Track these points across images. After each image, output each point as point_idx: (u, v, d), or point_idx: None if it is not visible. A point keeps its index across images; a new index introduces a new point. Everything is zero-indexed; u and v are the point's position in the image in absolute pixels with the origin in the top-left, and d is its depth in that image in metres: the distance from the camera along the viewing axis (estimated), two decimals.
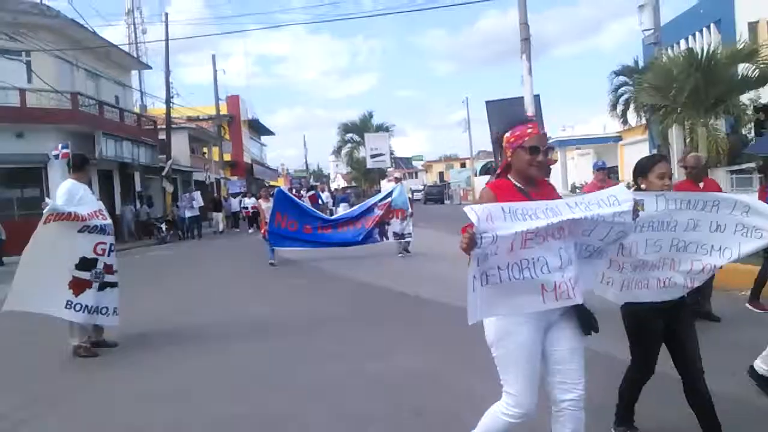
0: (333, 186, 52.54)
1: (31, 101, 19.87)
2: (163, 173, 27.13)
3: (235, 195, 32.98)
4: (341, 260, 11.98)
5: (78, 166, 6.03)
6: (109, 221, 5.81)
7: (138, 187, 26.64)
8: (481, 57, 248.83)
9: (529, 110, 11.84)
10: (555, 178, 40.87)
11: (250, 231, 23.78)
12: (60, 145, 16.17)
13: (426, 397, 4.08)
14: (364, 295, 8.47)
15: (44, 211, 5.39)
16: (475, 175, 56.57)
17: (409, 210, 12.41)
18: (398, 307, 7.44)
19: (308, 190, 25.33)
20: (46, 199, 5.54)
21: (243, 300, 8.76)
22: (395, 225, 12.23)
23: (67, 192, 5.61)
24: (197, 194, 25.56)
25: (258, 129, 57.12)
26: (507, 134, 2.71)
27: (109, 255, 5.65)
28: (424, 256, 12.10)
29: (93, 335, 5.77)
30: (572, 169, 42.60)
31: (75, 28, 21.80)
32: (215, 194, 34.24)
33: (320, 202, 22.22)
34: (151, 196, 27.01)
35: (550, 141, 13.59)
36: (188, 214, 24.46)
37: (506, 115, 12.37)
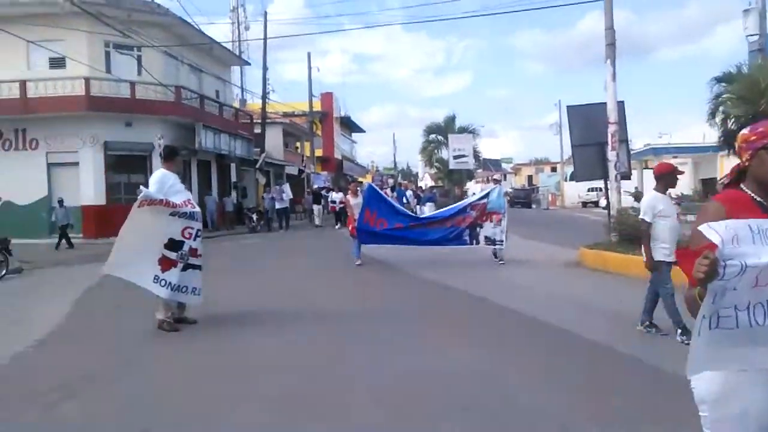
0: (420, 184, 52.75)
1: (139, 93, 21.42)
2: (257, 165, 28.42)
3: (320, 189, 32.86)
4: (426, 262, 11.44)
5: (168, 156, 6.64)
6: (197, 209, 6.40)
7: (233, 178, 28.05)
8: (577, 59, 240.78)
9: (612, 117, 11.58)
10: (649, 186, 39.31)
11: (337, 227, 23.65)
12: (158, 137, 17.74)
13: (475, 393, 4.25)
14: (440, 297, 8.49)
15: (138, 197, 6.00)
16: (565, 180, 55.16)
17: (504, 212, 11.55)
18: (472, 310, 7.50)
19: (392, 189, 25.12)
20: (141, 187, 6.15)
21: (318, 290, 9.20)
22: (487, 228, 11.43)
23: (159, 181, 6.20)
24: (287, 187, 26.56)
25: (349, 126, 58.38)
26: (744, 131, 2.07)
27: (194, 239, 6.21)
28: (515, 263, 11.25)
29: (176, 312, 6.35)
30: None
31: (182, 25, 23.25)
32: (306, 188, 35.31)
33: (404, 200, 22.25)
34: (246, 187, 28.37)
35: (645, 148, 13.30)
36: (278, 206, 25.50)
37: (588, 121, 12.16)
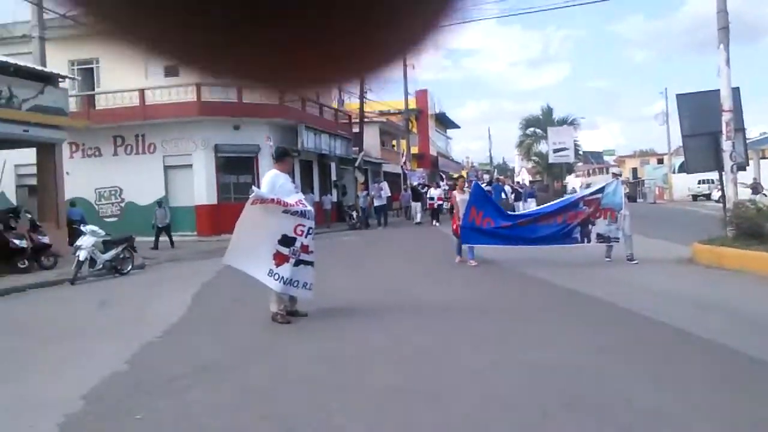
0: (517, 179, 51.84)
1: (246, 97, 22.49)
2: (356, 164, 29.05)
3: (418, 186, 32.87)
4: (528, 260, 10.98)
5: (279, 157, 7.01)
6: (310, 208, 6.73)
7: (333, 177, 28.85)
8: (683, 44, 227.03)
9: (726, 104, 10.91)
10: (767, 177, 36.48)
11: (435, 223, 23.52)
12: (267, 138, 18.64)
13: (579, 390, 4.21)
14: (544, 293, 8.34)
15: (250, 196, 6.40)
16: (673, 173, 52.27)
17: (623, 211, 10.63)
18: (578, 307, 7.35)
19: (489, 184, 24.31)
20: (253, 187, 6.54)
21: (420, 285, 9.33)
22: (601, 225, 10.67)
23: (270, 181, 6.56)
24: (385, 185, 26.98)
25: (444, 122, 58.26)
26: None
27: (306, 236, 6.52)
28: (623, 260, 10.46)
29: (288, 305, 6.69)
30: None
31: None
32: (403, 185, 35.63)
33: (502, 196, 21.86)
34: (345, 186, 29.11)
35: (761, 137, 12.43)
36: (376, 203, 25.96)
37: (700, 109, 11.53)
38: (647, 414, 3.70)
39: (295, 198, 6.60)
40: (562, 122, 32.81)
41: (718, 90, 10.92)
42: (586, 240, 10.84)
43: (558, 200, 12.11)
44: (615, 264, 10.35)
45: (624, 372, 4.57)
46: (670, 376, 4.46)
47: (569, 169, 39.61)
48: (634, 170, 76.26)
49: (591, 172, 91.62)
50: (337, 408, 3.99)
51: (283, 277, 6.36)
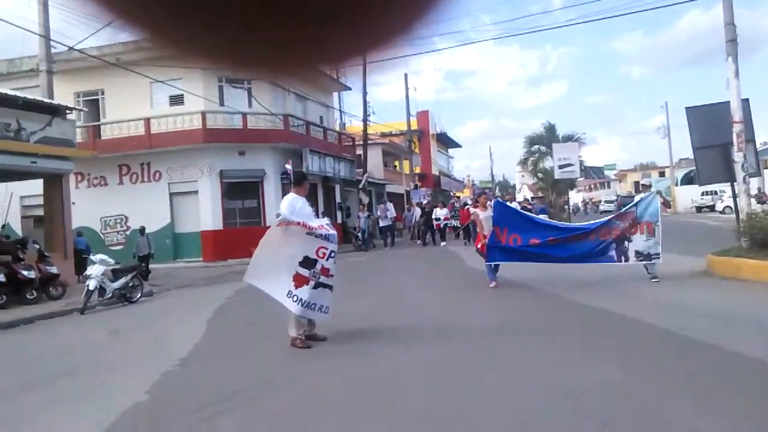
0: (518, 197, 51.78)
1: (250, 123, 22.59)
2: (360, 186, 29.06)
3: (421, 205, 31.81)
4: (550, 276, 10.63)
5: (297, 181, 6.98)
6: (333, 232, 6.67)
7: (338, 199, 28.83)
8: (680, 59, 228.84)
9: (736, 116, 10.89)
10: None
11: (443, 243, 23.14)
12: (287, 162, 18.86)
13: (613, 410, 4.11)
14: (564, 310, 8.19)
15: (277, 219, 6.40)
16: (676, 185, 52.24)
17: (659, 223, 9.87)
18: (600, 324, 7.23)
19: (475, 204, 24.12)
20: (280, 211, 6.50)
21: (435, 306, 9.22)
22: (638, 242, 9.81)
23: (289, 204, 6.52)
24: (390, 205, 26.94)
25: (446, 142, 58.46)
26: None
27: (328, 260, 6.45)
28: (635, 274, 10.07)
29: (307, 329, 6.60)
30: None
31: None
32: (407, 204, 35.61)
33: None
34: (349, 207, 29.08)
35: (765, 147, 12.09)
36: (382, 223, 25.91)
37: (710, 121, 11.52)
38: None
39: (318, 222, 6.58)
40: (567, 139, 32.88)
41: (728, 102, 10.92)
42: (623, 258, 9.96)
43: (590, 222, 11.03)
44: (633, 280, 9.97)
45: (656, 390, 4.46)
46: (703, 393, 4.35)
47: (571, 184, 39.51)
48: (636, 184, 76.30)
49: (592, 186, 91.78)
50: None
51: (301, 299, 6.28)
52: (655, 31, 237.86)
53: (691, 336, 5.99)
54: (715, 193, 44.45)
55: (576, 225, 11.33)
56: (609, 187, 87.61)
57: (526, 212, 12.19)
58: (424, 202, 27.66)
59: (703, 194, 46.59)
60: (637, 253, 9.85)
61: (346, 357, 6.03)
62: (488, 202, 10.98)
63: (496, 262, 10.33)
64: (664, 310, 7.49)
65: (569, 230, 10.67)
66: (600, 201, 70.97)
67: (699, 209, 44.55)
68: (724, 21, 11.12)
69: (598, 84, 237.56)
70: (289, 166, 21.20)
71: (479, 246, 10.60)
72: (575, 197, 64.37)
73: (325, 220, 6.85)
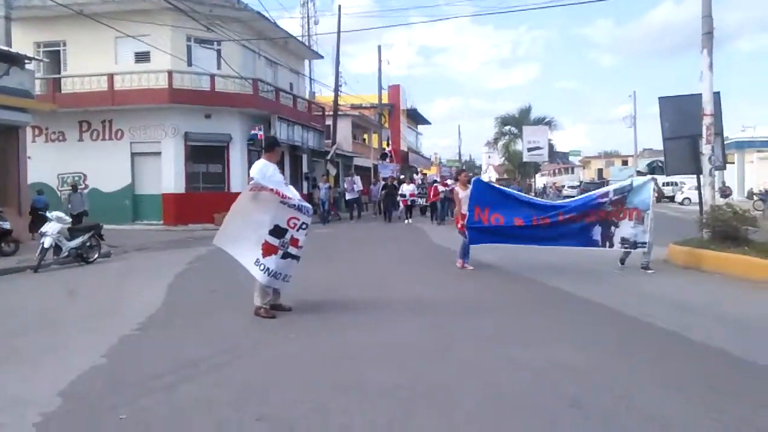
0: (483, 177, 52.10)
1: (218, 86, 22.00)
2: (328, 157, 28.74)
3: (385, 179, 29.58)
4: (535, 262, 10.27)
5: (268, 147, 6.75)
6: (308, 205, 6.51)
7: (305, 169, 28.48)
8: (650, 50, 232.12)
9: (707, 108, 11.01)
10: (731, 181, 37.54)
11: (407, 221, 22.74)
12: (257, 128, 18.28)
13: (582, 391, 4.10)
14: (535, 292, 8.13)
15: (250, 183, 6.18)
16: (639, 174, 53.35)
17: (649, 212, 9.46)
18: (564, 308, 7.25)
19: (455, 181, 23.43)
20: (253, 177, 6.24)
21: (403, 281, 9.17)
22: (625, 228, 9.45)
23: (260, 170, 6.30)
24: (357, 178, 26.75)
25: (415, 118, 58.30)
26: None
27: (298, 230, 6.29)
28: (596, 259, 10.11)
29: (272, 298, 6.45)
30: (750, 172, 38.80)
31: (260, 19, 23.67)
32: (372, 179, 35.35)
33: None
34: (316, 178, 28.79)
35: (727, 141, 11.87)
36: (348, 196, 25.75)
37: (681, 112, 11.63)
38: (652, 419, 3.61)
39: (291, 193, 6.39)
40: (538, 121, 33.03)
41: (700, 94, 11.01)
42: (607, 244, 9.60)
43: (581, 196, 10.59)
44: (603, 265, 9.99)
45: (623, 374, 4.48)
46: (670, 379, 4.39)
47: (536, 168, 39.96)
48: (600, 171, 77.68)
49: (556, 171, 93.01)
50: (338, 408, 3.79)
51: (268, 269, 6.13)
52: (627, 20, 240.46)
53: (656, 323, 6.07)
54: (676, 184, 45.55)
55: (561, 203, 10.56)
56: (573, 172, 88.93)
57: (507, 189, 11.34)
58: (390, 176, 27.37)
59: (664, 184, 47.59)
60: (623, 240, 9.53)
61: (312, 328, 5.91)
62: (468, 181, 10.39)
63: (477, 244, 9.82)
64: (630, 297, 7.59)
65: (554, 208, 9.90)
66: (563, 186, 72.07)
67: (658, 199, 45.45)
68: (702, 12, 11.17)
69: (568, 69, 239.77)
70: (259, 131, 20.81)
71: (459, 226, 10.03)
72: (539, 181, 65.10)
73: (290, 188, 6.62)
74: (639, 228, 9.48)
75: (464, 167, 70.76)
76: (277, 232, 6.16)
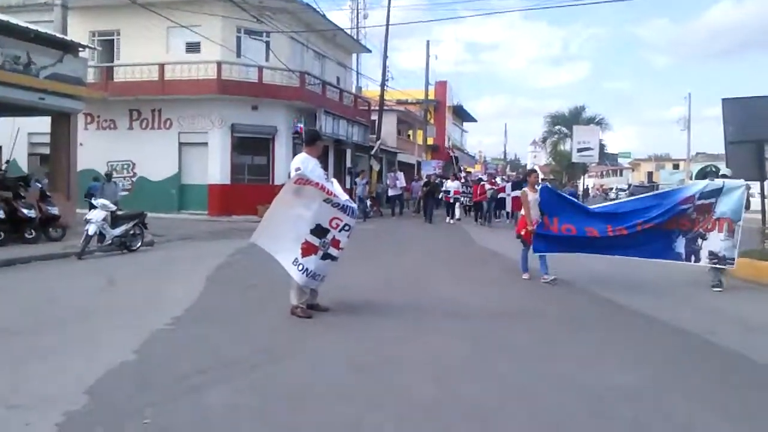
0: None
1: (266, 78, 22.01)
2: (372, 152, 28.54)
3: (428, 176, 28.28)
4: (597, 275, 9.39)
5: (310, 141, 6.53)
6: (353, 205, 6.23)
7: (348, 163, 28.37)
8: (704, 52, 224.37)
9: None
10: None
11: (449, 221, 22.01)
12: (296, 121, 18.02)
13: (637, 416, 3.76)
14: (585, 305, 7.65)
15: (294, 175, 5.88)
16: (690, 179, 51.58)
17: (741, 223, 8.37)
18: (619, 323, 6.82)
19: (514, 187, 20.32)
20: (299, 168, 5.98)
21: (442, 283, 8.85)
22: (714, 241, 8.33)
23: (301, 164, 6.08)
24: (401, 175, 26.48)
25: (461, 115, 57.64)
26: None
27: (341, 231, 6.04)
28: (652, 268, 9.12)
29: (309, 298, 6.25)
30: None
31: (309, 11, 23.58)
32: (415, 176, 35.04)
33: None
34: (358, 173, 28.64)
35: None
36: (391, 192, 25.50)
37: (747, 115, 10.97)
38: None
39: (337, 189, 6.15)
40: (589, 121, 32.12)
41: None
42: (693, 258, 8.52)
43: (654, 198, 9.10)
44: (647, 273, 9.55)
45: (683, 398, 4.11)
46: (734, 404, 4.01)
47: (584, 169, 38.93)
48: (650, 174, 75.47)
49: (604, 173, 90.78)
50: (372, 422, 3.54)
51: (307, 269, 5.92)
52: (681, 19, 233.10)
53: (715, 341, 5.65)
54: None
55: (637, 205, 8.94)
56: (621, 175, 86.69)
57: (573, 199, 10.55)
58: (433, 174, 26.94)
59: None
60: (711, 254, 8.38)
61: (349, 332, 5.68)
62: (538, 184, 9.39)
63: (543, 253, 8.83)
64: (687, 311, 7.15)
65: (631, 216, 8.63)
66: (611, 189, 70.23)
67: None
68: None
69: (619, 69, 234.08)
70: (300, 125, 20.70)
71: (522, 232, 9.04)
72: (586, 183, 63.75)
73: (346, 195, 6.37)
74: (729, 241, 8.32)
75: (509, 167, 69.64)
76: (319, 231, 5.94)
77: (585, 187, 60.53)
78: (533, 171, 10.08)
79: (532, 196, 9.07)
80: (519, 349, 5.24)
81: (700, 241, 8.46)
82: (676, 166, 71.85)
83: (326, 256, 6.01)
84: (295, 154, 23.21)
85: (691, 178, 51.71)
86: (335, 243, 6.03)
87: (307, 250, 5.90)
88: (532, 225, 8.80)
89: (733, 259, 8.41)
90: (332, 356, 4.89)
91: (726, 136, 11.19)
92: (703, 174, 53.83)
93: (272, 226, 6.03)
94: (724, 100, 11.22)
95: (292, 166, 6.10)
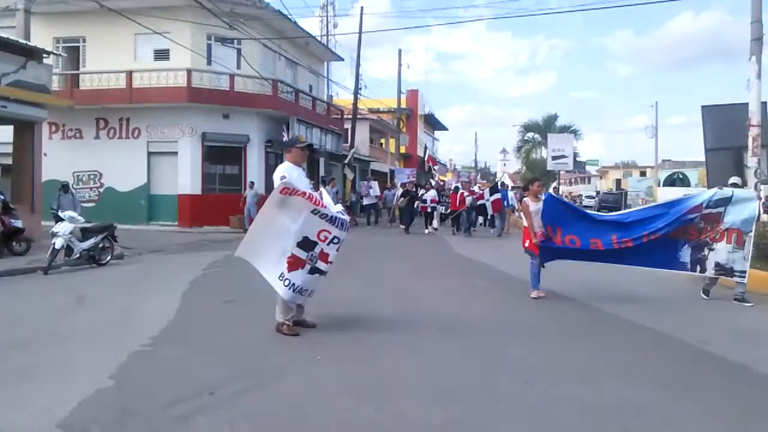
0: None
1: (237, 86, 21.59)
2: (346, 161, 28.26)
3: (404, 185, 26.60)
4: (592, 285, 9.12)
5: (291, 144, 6.21)
6: (345, 217, 5.90)
7: (322, 172, 28.02)
8: (668, 61, 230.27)
9: (754, 119, 10.40)
10: None
11: (427, 230, 21.36)
12: (285, 131, 17.73)
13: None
14: (586, 317, 7.39)
15: (279, 184, 5.51)
16: (658, 186, 52.36)
17: (751, 234, 8.08)
18: (628, 336, 6.63)
19: (491, 191, 20.61)
20: (284, 176, 5.65)
21: (429, 295, 8.63)
22: (721, 252, 8.07)
23: (285, 172, 5.75)
24: (375, 183, 26.20)
25: (432, 123, 57.83)
26: None
27: (329, 244, 5.72)
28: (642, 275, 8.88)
29: (296, 314, 5.94)
30: None
31: (280, 18, 23.23)
32: (388, 184, 34.83)
33: (505, 203, 20.22)
34: (336, 183, 28.32)
35: None
36: (365, 201, 25.19)
37: (725, 122, 11.05)
38: None
39: (327, 200, 5.85)
40: (563, 130, 32.41)
41: (746, 104, 10.41)
42: (698, 268, 8.27)
43: (666, 209, 8.47)
44: (629, 284, 9.48)
45: (691, 410, 3.94)
46: (745, 417, 3.85)
47: (554, 177, 39.32)
48: (618, 181, 76.63)
49: (572, 180, 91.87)
50: None
51: (293, 284, 5.60)
52: (645, 30, 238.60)
53: (717, 353, 5.52)
54: None
55: (643, 214, 8.54)
56: (589, 182, 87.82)
57: (577, 207, 10.13)
58: (410, 182, 26.59)
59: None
60: (717, 266, 8.14)
61: (339, 350, 5.38)
62: (541, 193, 8.78)
63: (548, 261, 8.42)
64: (685, 321, 7.03)
65: (638, 226, 8.23)
66: (580, 195, 71.12)
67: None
68: (751, 18, 10.57)
69: (585, 79, 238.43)
70: (284, 134, 20.37)
71: (527, 245, 8.45)
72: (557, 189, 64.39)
73: (339, 207, 6.06)
74: (738, 253, 8.03)
75: (479, 175, 70.01)
76: (306, 244, 5.62)
77: (556, 194, 61.00)
78: (536, 179, 9.34)
79: (534, 206, 8.44)
80: (520, 366, 4.99)
81: (706, 250, 8.19)
82: (643, 173, 73.20)
83: (314, 270, 5.70)
84: (267, 163, 22.97)
85: (659, 185, 52.59)
86: (323, 256, 5.72)
87: (294, 264, 5.59)
88: (537, 238, 8.21)
89: (744, 272, 8.08)
90: (324, 378, 4.58)
91: (705, 143, 11.24)
92: (670, 181, 54.97)
93: (257, 240, 5.70)
94: (703, 107, 11.29)
95: (275, 176, 5.77)
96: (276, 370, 4.76)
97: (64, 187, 14.37)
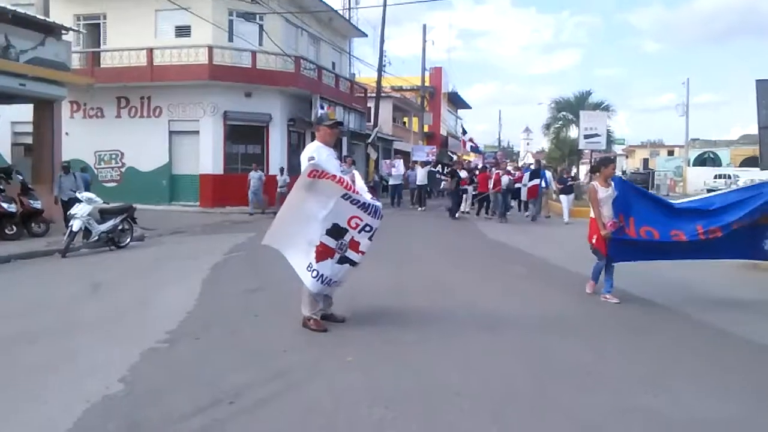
0: (522, 165, 50.31)
1: (260, 63, 21.07)
2: (369, 140, 27.69)
3: (424, 164, 25.75)
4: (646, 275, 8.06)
5: (317, 122, 5.73)
6: (378, 204, 5.38)
7: (344, 152, 27.50)
8: (697, 36, 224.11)
9: None
10: None
11: (460, 213, 19.80)
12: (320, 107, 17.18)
13: None
14: (635, 312, 6.66)
15: (308, 165, 5.03)
16: (688, 165, 50.96)
17: None
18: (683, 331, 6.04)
19: (532, 176, 18.71)
20: (313, 157, 5.15)
21: (464, 284, 8.09)
22: None
23: (314, 152, 5.25)
24: (399, 162, 25.54)
25: (456, 102, 56.80)
26: None
27: (360, 232, 5.23)
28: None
29: (323, 307, 5.47)
30: None
31: None
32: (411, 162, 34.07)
33: (542, 185, 18.60)
34: (355, 162, 27.78)
35: None
36: (391, 182, 24.61)
37: None
38: None
39: (359, 185, 5.34)
40: (596, 107, 31.36)
41: None
42: None
43: (753, 192, 7.24)
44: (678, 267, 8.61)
45: None
46: None
47: (580, 156, 38.32)
48: (645, 161, 74.88)
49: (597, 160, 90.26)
50: None
51: (322, 275, 5.12)
52: (673, 5, 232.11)
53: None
54: (729, 177, 43.21)
55: (728, 199, 7.26)
56: (617, 161, 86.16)
57: (655, 194, 8.93)
58: (430, 160, 25.47)
59: (716, 177, 45.37)
60: None
61: (372, 349, 4.88)
62: (613, 177, 7.30)
63: (621, 261, 7.13)
64: (735, 312, 6.42)
65: (724, 213, 6.99)
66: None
67: (710, 191, 43.46)
68: None
69: (611, 56, 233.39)
70: (319, 110, 19.67)
71: (594, 240, 7.16)
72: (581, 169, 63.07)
73: (370, 195, 5.52)
74: None
75: (501, 153, 68.60)
76: (336, 232, 5.11)
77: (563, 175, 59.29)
78: (609, 160, 7.89)
79: (603, 192, 7.07)
80: (579, 372, 4.43)
81: None
82: (671, 153, 71.44)
83: (344, 260, 5.19)
84: (290, 142, 22.49)
85: (689, 165, 51.15)
86: (354, 245, 5.21)
87: (323, 253, 5.09)
88: (607, 229, 6.90)
89: None
90: (357, 383, 4.11)
91: (759, 120, 10.45)
92: (701, 161, 53.40)
93: (285, 226, 5.21)
94: (758, 81, 10.45)
95: (303, 157, 5.26)
96: (303, 373, 4.28)
97: (65, 168, 13.60)
